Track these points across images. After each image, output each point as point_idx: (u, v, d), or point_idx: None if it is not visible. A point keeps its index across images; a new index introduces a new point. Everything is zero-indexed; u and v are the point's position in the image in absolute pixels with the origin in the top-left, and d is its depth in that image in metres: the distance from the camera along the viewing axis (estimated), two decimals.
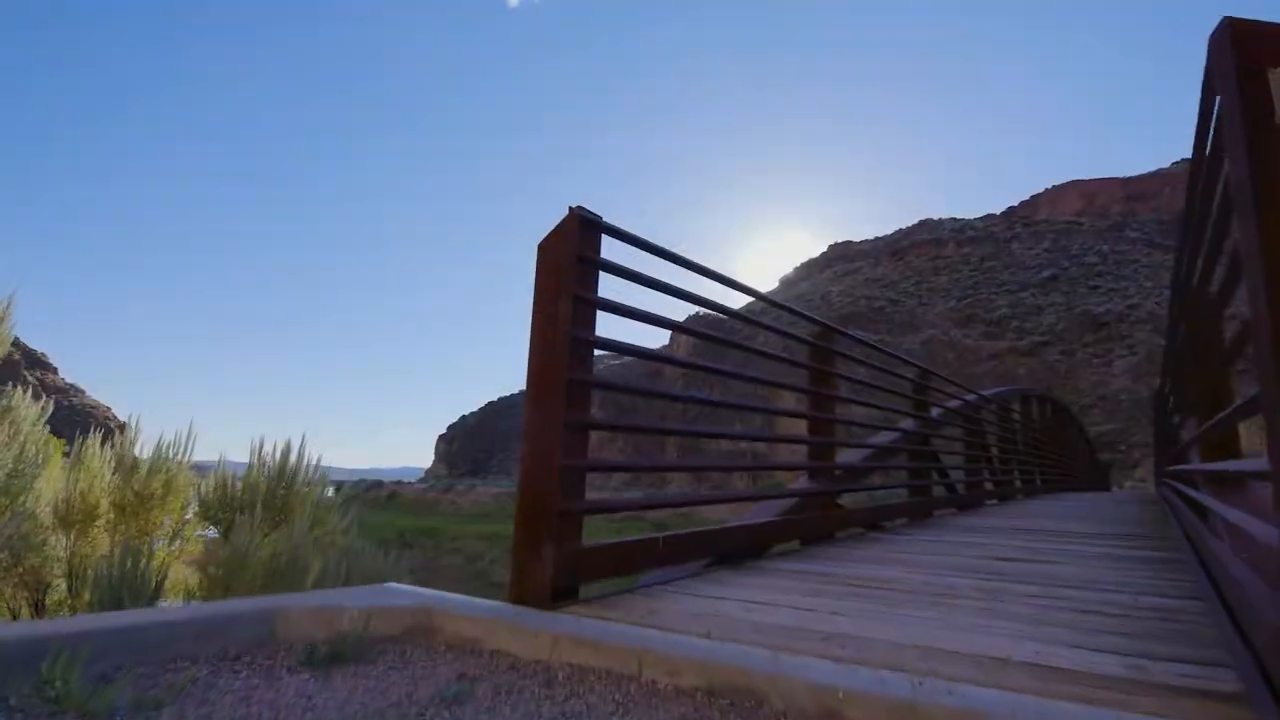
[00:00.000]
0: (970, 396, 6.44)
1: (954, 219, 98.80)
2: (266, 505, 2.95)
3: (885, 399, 4.71)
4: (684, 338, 60.45)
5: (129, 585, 2.12)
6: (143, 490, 2.98)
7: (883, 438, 4.32)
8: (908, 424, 4.78)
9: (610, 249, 2.12)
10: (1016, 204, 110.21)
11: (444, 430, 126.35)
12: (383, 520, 50.43)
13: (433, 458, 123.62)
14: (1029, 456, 8.90)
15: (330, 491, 3.57)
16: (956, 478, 5.93)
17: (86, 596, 2.32)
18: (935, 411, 5.27)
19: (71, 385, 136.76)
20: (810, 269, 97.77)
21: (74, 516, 2.81)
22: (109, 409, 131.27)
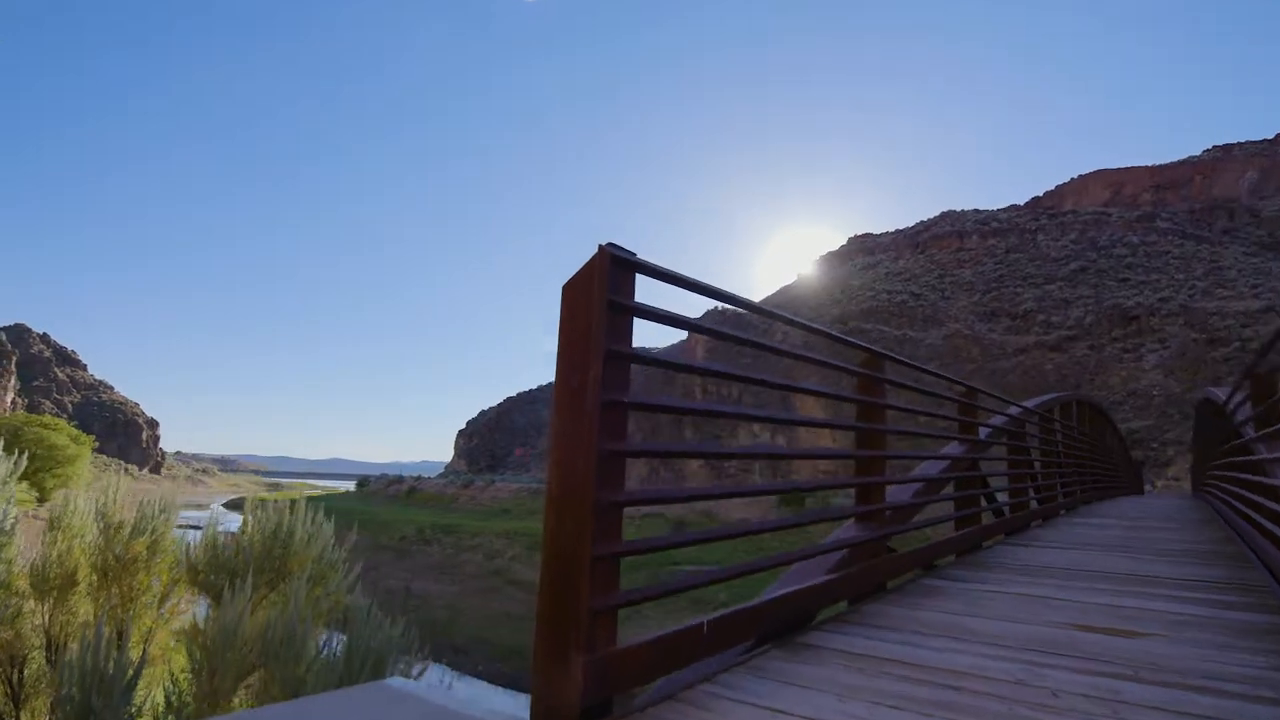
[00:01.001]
0: (1014, 410, 6.07)
1: (977, 210, 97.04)
2: (261, 569, 2.71)
3: (930, 423, 4.38)
4: (701, 348, 60.10)
5: (100, 680, 1.89)
6: (125, 554, 2.76)
7: (930, 468, 3.98)
8: (954, 448, 4.44)
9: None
10: (1041, 194, 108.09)
11: (463, 425, 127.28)
12: (404, 516, 50.82)
13: (452, 453, 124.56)
14: (1071, 467, 8.49)
15: (331, 539, 3.32)
16: (1001, 500, 5.57)
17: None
18: (983, 432, 4.92)
19: (100, 381, 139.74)
20: (830, 262, 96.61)
21: (52, 582, 2.60)
22: (136, 405, 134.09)
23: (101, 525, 2.90)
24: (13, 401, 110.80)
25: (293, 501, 3.09)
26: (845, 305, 64.43)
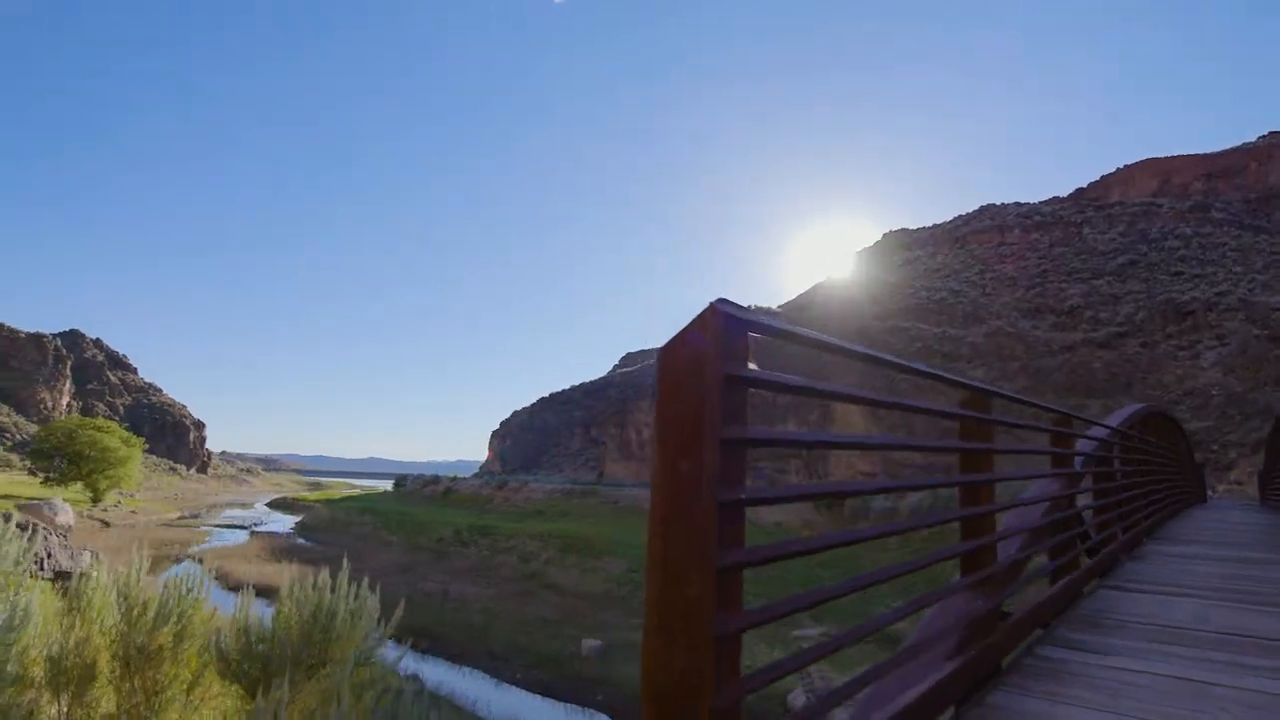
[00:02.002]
0: (1102, 433, 5.57)
1: (1018, 203, 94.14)
2: (299, 659, 2.46)
3: (1020, 456, 3.95)
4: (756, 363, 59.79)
5: None
6: (149, 644, 2.53)
7: (1031, 513, 3.56)
8: (1050, 485, 4.00)
9: None
10: (1085, 186, 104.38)
11: (497, 426, 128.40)
12: (441, 518, 51.27)
13: (487, 452, 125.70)
14: (1151, 488, 7.90)
15: (376, 611, 3.05)
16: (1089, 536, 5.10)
17: None
18: (1077, 462, 4.46)
19: (150, 384, 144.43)
20: (865, 259, 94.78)
21: (69, 674, 2.38)
22: (184, 407, 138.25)
23: (124, 607, 2.67)
24: (68, 404, 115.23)
25: (334, 580, 2.82)
26: (883, 303, 63.04)
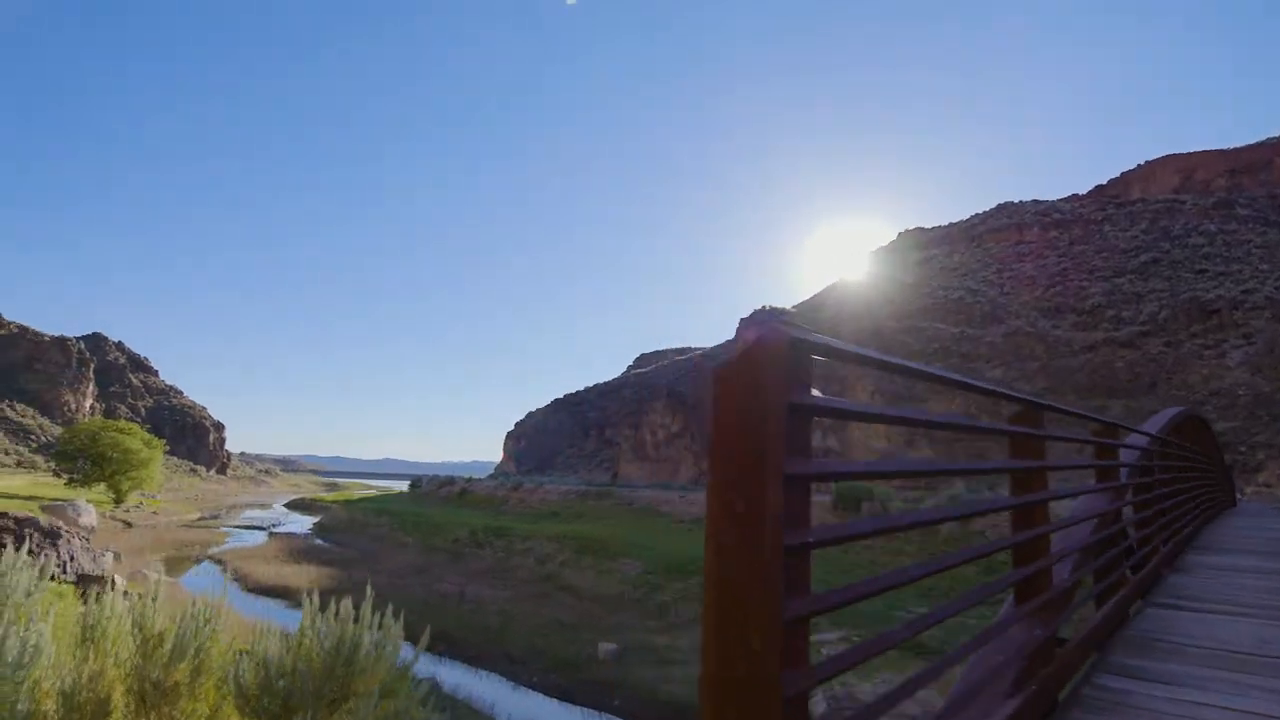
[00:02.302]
0: (1142, 441, 5.36)
1: (1036, 201, 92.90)
2: (321, 692, 2.36)
3: (1063, 472, 3.77)
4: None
5: None
6: (164, 679, 2.43)
7: (1080, 532, 3.38)
8: (1096, 501, 3.82)
9: None
10: (1105, 183, 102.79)
11: (511, 427, 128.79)
12: (456, 519, 51.38)
13: (501, 453, 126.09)
14: (1189, 495, 7.65)
15: (400, 639, 2.93)
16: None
17: None
18: (1123, 474, 4.27)
19: (171, 386, 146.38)
20: (880, 258, 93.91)
21: (83, 709, 2.28)
22: (204, 409, 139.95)
23: (139, 639, 2.57)
24: (91, 406, 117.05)
25: (358, 608, 2.71)
26: (898, 303, 62.43)
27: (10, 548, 2.79)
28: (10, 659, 2.12)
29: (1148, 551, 5.12)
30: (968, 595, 1.95)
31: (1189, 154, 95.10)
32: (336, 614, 2.62)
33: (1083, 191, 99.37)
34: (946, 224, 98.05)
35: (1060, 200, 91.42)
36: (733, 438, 1.25)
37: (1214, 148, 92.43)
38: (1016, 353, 51.14)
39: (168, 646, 2.53)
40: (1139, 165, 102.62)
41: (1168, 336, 46.87)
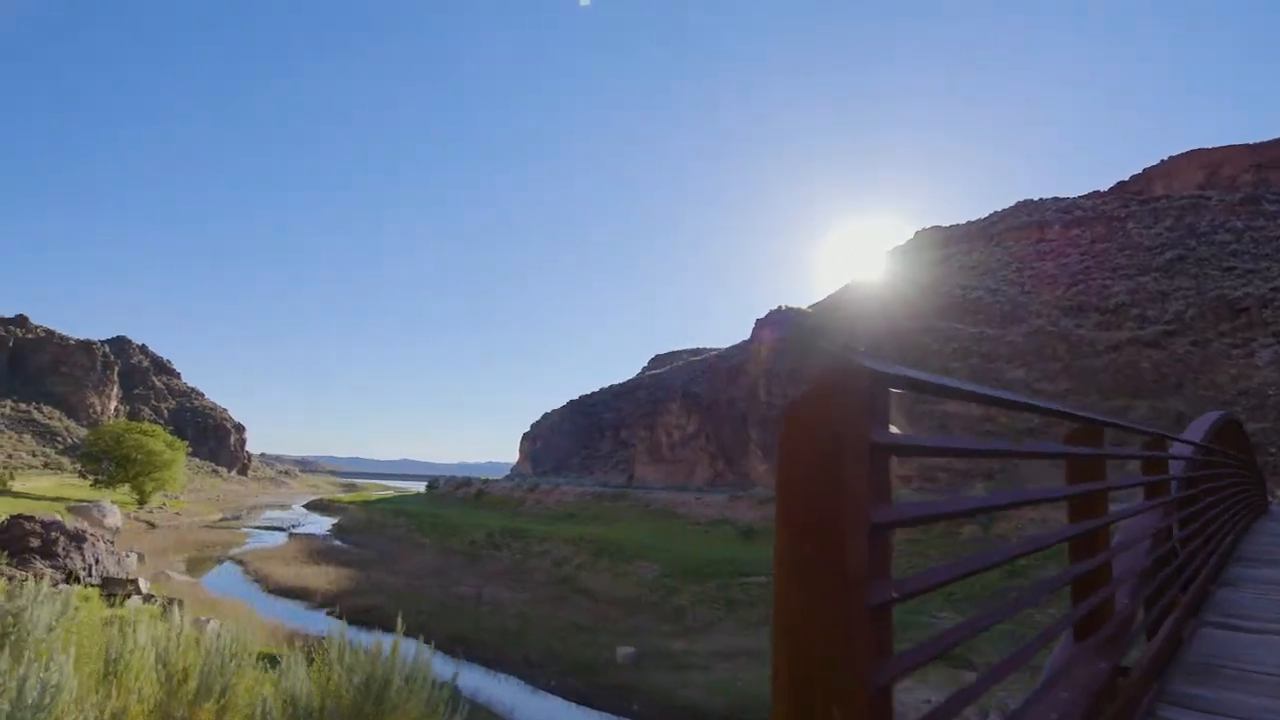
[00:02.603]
0: (1186, 450, 5.16)
1: (1056, 198, 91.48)
2: None
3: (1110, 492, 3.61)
4: (766, 350, 58.87)
5: None
6: (189, 718, 2.35)
7: (1136, 554, 3.21)
8: (1147, 520, 3.64)
9: None
10: (1127, 179, 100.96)
11: (528, 428, 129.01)
12: (473, 520, 51.55)
13: (518, 454, 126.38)
14: (1231, 503, 7.40)
15: (429, 666, 2.83)
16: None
17: None
18: (1174, 488, 4.09)
19: (193, 389, 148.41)
20: (897, 258, 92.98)
21: None
22: (225, 410, 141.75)
23: (163, 675, 2.50)
24: (115, 409, 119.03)
25: (396, 643, 2.62)
26: (916, 303, 61.75)
27: (31, 580, 2.74)
28: (31, 700, 2.05)
29: (1195, 567, 4.93)
30: (1017, 600, 1.82)
31: (1213, 149, 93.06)
32: (366, 650, 2.53)
33: (1104, 188, 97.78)
34: (965, 222, 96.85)
35: (1081, 197, 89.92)
36: (807, 480, 1.13)
37: (1240, 142, 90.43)
38: (1039, 353, 50.36)
39: (193, 684, 2.45)
40: (1162, 161, 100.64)
41: (1194, 335, 45.88)
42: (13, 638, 2.54)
